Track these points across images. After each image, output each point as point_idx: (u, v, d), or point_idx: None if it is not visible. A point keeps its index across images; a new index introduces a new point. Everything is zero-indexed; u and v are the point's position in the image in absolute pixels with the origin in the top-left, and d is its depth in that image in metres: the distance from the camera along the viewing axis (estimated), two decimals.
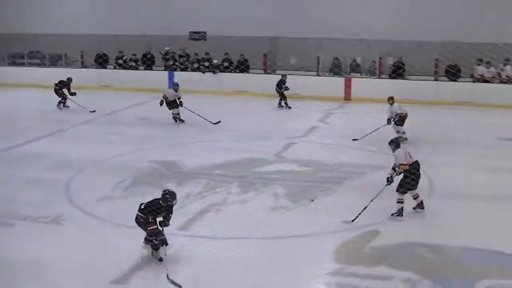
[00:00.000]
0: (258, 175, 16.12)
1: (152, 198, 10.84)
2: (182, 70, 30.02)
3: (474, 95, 25.58)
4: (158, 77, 29.03)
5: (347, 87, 27.16)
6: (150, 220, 10.60)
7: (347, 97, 27.02)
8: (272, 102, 25.71)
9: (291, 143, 19.39)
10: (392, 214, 12.91)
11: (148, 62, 30.54)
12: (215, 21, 29.34)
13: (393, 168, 13.11)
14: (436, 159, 17.24)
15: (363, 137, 19.41)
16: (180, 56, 30.47)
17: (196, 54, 29.99)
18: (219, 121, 21.21)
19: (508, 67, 26.84)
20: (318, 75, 28.82)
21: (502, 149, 18.75)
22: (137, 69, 30.74)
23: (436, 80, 27.43)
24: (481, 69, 27.04)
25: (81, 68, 31.92)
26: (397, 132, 19.35)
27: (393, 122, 19.47)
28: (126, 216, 12.05)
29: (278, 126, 21.57)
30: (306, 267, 10.64)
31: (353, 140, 19.43)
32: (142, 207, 10.74)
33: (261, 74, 29.45)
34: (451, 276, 10.51)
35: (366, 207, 12.70)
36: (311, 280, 10.19)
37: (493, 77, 27.02)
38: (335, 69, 28.97)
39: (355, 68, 29.13)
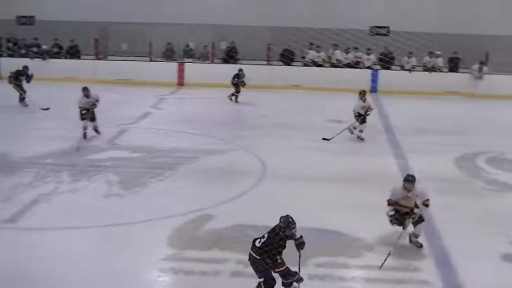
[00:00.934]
0: (91, 162, 15.77)
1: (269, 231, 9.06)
2: (9, 56, 28.90)
3: (305, 78, 26.19)
4: None
5: (180, 72, 27.09)
6: (278, 260, 9.01)
7: (180, 82, 26.97)
8: (103, 88, 25.28)
9: (123, 129, 19.14)
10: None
11: None
12: (43, 5, 28.46)
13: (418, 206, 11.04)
14: (268, 142, 17.59)
15: (334, 137, 18.25)
16: (7, 41, 29.35)
17: (24, 39, 28.96)
18: (48, 108, 20.28)
19: (337, 51, 27.72)
20: (151, 60, 28.58)
21: (331, 131, 19.26)
22: None
23: (268, 64, 27.87)
24: (312, 54, 27.74)
25: None
26: (360, 131, 18.53)
27: (360, 119, 18.44)
28: None
29: (111, 113, 21.12)
30: (140, 254, 10.49)
31: (323, 139, 18.20)
32: (258, 245, 8.94)
33: (93, 60, 28.82)
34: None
35: (390, 253, 10.57)
36: (145, 267, 10.08)
37: (323, 61, 27.79)
38: (168, 54, 28.81)
39: (188, 53, 29.08)
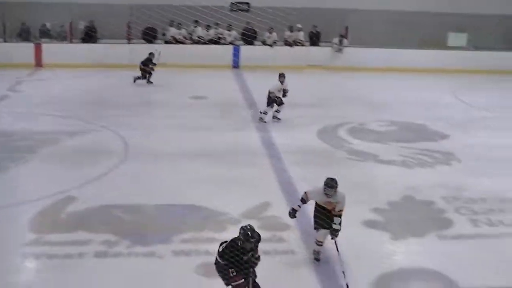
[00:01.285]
0: None
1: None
2: None
3: (168, 56, 25.98)
4: None
5: (38, 53, 26.26)
6: (231, 274, 8.27)
7: (38, 63, 26.13)
8: None
9: None
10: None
11: None
12: None
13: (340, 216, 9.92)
14: (131, 121, 17.43)
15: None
16: None
17: None
18: None
19: (198, 28, 27.65)
20: (5, 41, 27.51)
21: (194, 108, 19.34)
22: None
23: (129, 43, 27.45)
24: (172, 31, 27.57)
25: None
26: (264, 112, 18.00)
27: (278, 100, 17.85)
28: None
29: None
30: (0, 241, 10.25)
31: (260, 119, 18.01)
32: (221, 249, 8.39)
33: None
34: (149, 233, 10.64)
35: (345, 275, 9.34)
36: (6, 254, 9.79)
37: (184, 38, 27.67)
38: (24, 35, 27.81)
39: (45, 33, 28.15)
